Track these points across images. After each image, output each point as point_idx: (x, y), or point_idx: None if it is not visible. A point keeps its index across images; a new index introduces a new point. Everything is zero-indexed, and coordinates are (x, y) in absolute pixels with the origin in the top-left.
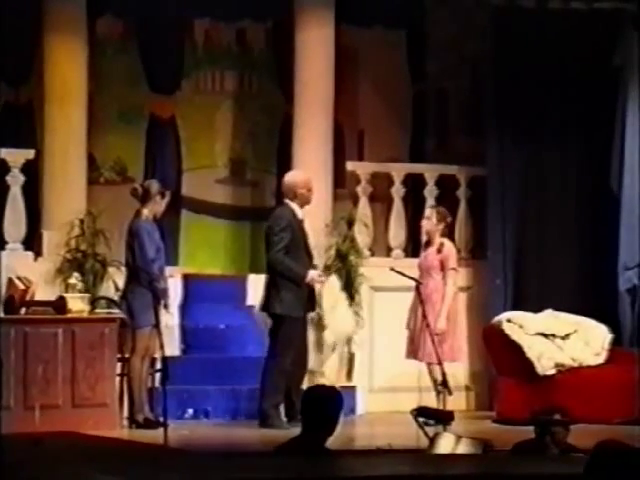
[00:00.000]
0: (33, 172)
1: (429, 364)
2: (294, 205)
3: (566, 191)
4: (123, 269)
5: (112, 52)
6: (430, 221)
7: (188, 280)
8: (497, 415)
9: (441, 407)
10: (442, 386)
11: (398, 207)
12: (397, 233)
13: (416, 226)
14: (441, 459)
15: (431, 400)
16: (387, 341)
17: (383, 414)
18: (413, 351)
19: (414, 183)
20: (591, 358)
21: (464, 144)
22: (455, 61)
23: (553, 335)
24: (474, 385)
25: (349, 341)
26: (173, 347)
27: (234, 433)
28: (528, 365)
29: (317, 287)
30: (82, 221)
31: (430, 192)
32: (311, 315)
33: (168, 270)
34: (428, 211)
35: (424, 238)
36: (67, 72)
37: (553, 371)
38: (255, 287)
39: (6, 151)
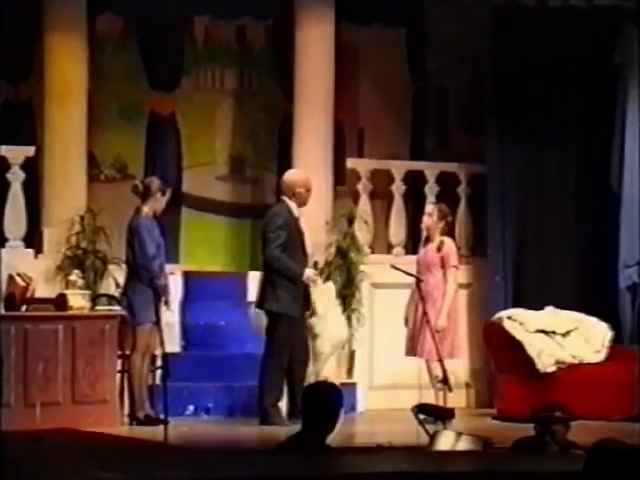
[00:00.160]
0: (33, 169)
1: (428, 361)
2: (291, 203)
3: (566, 189)
4: (123, 266)
5: (112, 49)
6: (431, 218)
7: (188, 277)
8: (497, 412)
9: (441, 404)
10: (442, 383)
11: (398, 204)
12: (397, 230)
13: (416, 223)
14: (441, 456)
15: (431, 397)
16: (387, 338)
17: (383, 411)
18: (413, 348)
19: (414, 180)
20: (591, 355)
21: (464, 142)
22: (455, 59)
23: (553, 332)
24: (474, 382)
25: (343, 346)
26: (173, 344)
27: (234, 430)
28: (528, 362)
29: (312, 286)
30: (82, 218)
31: (430, 189)
32: (308, 321)
33: (168, 267)
34: (429, 207)
35: (424, 234)
36: (67, 69)
37: (553, 368)
38: (255, 284)
39: (6, 148)
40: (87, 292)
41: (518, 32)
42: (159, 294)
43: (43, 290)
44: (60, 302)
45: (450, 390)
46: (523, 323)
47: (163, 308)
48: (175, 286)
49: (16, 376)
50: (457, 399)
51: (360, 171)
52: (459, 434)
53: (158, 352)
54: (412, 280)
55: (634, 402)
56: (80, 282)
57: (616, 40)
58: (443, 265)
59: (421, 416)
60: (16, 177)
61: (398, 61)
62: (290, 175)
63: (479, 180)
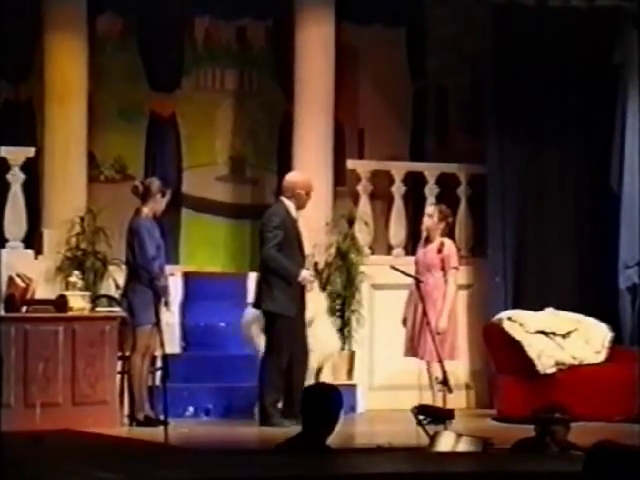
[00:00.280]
0: (33, 170)
1: (428, 362)
2: (290, 204)
3: (566, 189)
4: (123, 267)
5: (112, 50)
6: (431, 219)
7: (188, 278)
8: (497, 413)
9: (441, 405)
10: (442, 384)
11: (398, 205)
12: (397, 231)
13: (416, 224)
14: (441, 457)
15: (431, 398)
16: (387, 339)
17: (383, 412)
18: (412, 349)
19: (414, 181)
20: (591, 356)
21: (464, 142)
22: (455, 59)
23: (553, 333)
24: (474, 383)
25: (332, 359)
26: (173, 345)
27: (234, 431)
28: (528, 363)
29: (308, 287)
30: (82, 219)
31: (430, 190)
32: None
33: (168, 268)
34: (430, 208)
35: (424, 235)
36: (67, 70)
37: (553, 369)
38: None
39: (6, 149)
40: (87, 293)
41: (518, 32)
42: (159, 295)
43: (43, 291)
44: (60, 303)
45: (450, 391)
46: (523, 324)
47: (163, 309)
48: (175, 287)
49: (16, 377)
50: (457, 400)
51: (360, 172)
52: (459, 435)
53: (158, 353)
54: (412, 281)
55: (634, 403)
56: (80, 283)
57: (616, 40)
58: (443, 266)
59: (421, 417)
60: (16, 178)
61: (398, 61)
62: (292, 176)
63: (479, 181)
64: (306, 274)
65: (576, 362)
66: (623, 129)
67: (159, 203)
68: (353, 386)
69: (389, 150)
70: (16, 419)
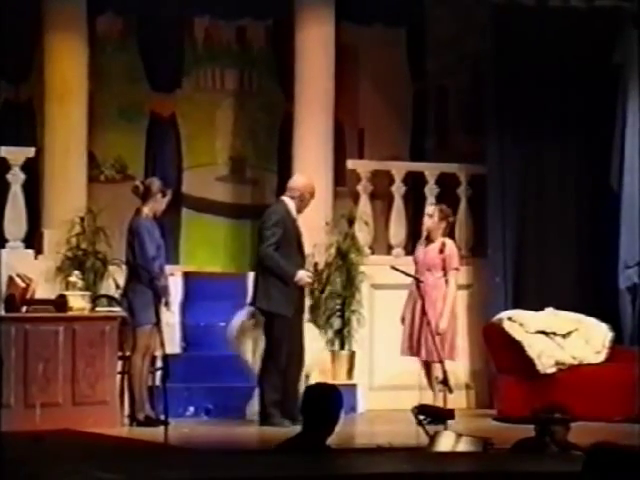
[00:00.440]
0: (33, 170)
1: (425, 362)
2: (291, 203)
3: (566, 189)
4: (123, 267)
5: (112, 50)
6: (432, 219)
7: (188, 278)
8: (497, 413)
9: (441, 405)
10: (443, 384)
11: (398, 205)
12: (397, 231)
13: (416, 224)
14: (441, 457)
15: (431, 398)
16: (387, 339)
17: (384, 412)
18: (410, 348)
19: (414, 181)
20: (591, 356)
21: (464, 142)
22: (455, 59)
23: (554, 333)
24: (474, 383)
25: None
26: (174, 345)
27: (235, 431)
28: (528, 363)
29: (306, 288)
30: (82, 219)
31: (430, 190)
32: None
33: (168, 268)
34: (430, 209)
35: (424, 234)
36: (67, 70)
37: (553, 369)
38: None
39: (6, 149)
40: (87, 293)
41: (518, 32)
42: (159, 295)
43: (43, 291)
44: (60, 303)
45: (450, 391)
46: (523, 324)
47: (163, 309)
48: (175, 287)
49: (16, 377)
50: (457, 400)
51: (360, 172)
52: (459, 435)
53: (158, 353)
54: (412, 281)
55: (634, 403)
56: (80, 283)
57: (616, 40)
58: (444, 266)
59: (421, 417)
60: (16, 178)
61: (398, 61)
62: (299, 177)
63: (479, 181)
64: (303, 274)
65: (576, 362)
66: (623, 129)
67: (159, 203)
68: (353, 386)
69: (389, 150)
70: (16, 419)
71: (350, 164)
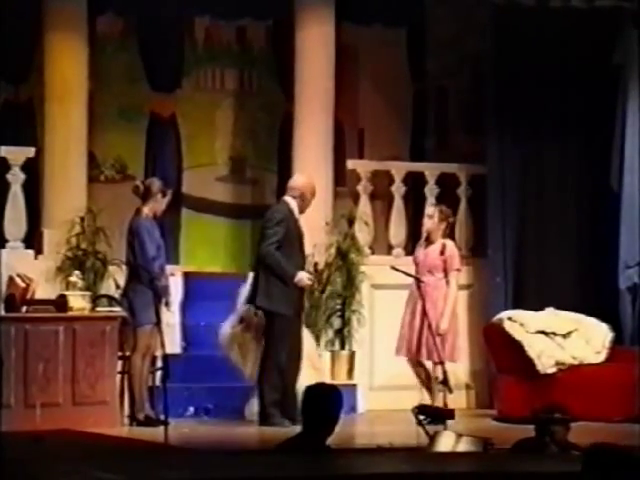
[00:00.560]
0: (33, 170)
1: (418, 362)
2: (294, 203)
3: (566, 189)
4: (124, 267)
5: (112, 50)
6: (432, 220)
7: (189, 278)
8: (497, 413)
9: (441, 405)
10: (443, 384)
11: (399, 205)
12: (398, 231)
13: (416, 224)
14: (441, 457)
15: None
16: (387, 339)
17: (384, 412)
18: (405, 348)
19: (414, 181)
20: (592, 356)
21: (464, 142)
22: (455, 59)
23: (554, 333)
24: (474, 383)
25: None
26: (174, 345)
27: (235, 431)
28: (529, 363)
29: (306, 289)
30: (82, 219)
31: (431, 190)
32: None
33: (169, 268)
34: (430, 210)
35: (424, 236)
36: (67, 70)
37: (554, 369)
38: None
39: (6, 149)
40: (87, 293)
41: (518, 32)
42: (159, 295)
43: (43, 291)
44: (60, 303)
45: (450, 391)
46: (523, 324)
47: (163, 309)
48: (175, 287)
49: (16, 377)
50: (457, 400)
51: (360, 172)
52: (459, 435)
53: (158, 353)
54: (412, 281)
55: (634, 403)
56: (80, 283)
57: (616, 40)
58: (445, 268)
59: (421, 417)
60: (16, 178)
61: (398, 61)
62: (299, 177)
63: (479, 181)
64: (303, 275)
65: (576, 362)
66: (623, 129)
67: (159, 203)
68: (353, 386)
69: (389, 150)
70: (16, 419)
71: (350, 164)
